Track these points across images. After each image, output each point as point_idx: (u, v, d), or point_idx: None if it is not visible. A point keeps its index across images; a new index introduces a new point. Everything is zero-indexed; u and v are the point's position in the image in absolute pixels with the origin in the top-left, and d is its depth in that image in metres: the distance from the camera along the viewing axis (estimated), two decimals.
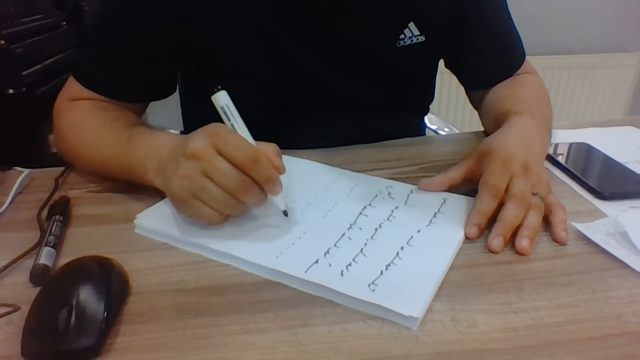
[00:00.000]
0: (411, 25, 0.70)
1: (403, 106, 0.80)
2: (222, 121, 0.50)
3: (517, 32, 0.77)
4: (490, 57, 0.76)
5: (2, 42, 1.21)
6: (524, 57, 0.79)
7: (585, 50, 2.03)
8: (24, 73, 1.27)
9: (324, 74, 0.71)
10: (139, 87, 0.69)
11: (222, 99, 0.49)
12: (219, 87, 0.49)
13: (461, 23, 0.73)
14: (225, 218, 0.49)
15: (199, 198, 0.47)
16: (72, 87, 0.68)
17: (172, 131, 1.30)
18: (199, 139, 0.47)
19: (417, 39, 0.71)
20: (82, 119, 0.65)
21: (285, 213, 0.51)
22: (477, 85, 0.80)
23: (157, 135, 0.56)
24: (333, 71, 0.71)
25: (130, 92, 0.69)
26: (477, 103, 0.81)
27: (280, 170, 0.49)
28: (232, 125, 0.49)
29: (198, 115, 0.61)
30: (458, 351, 0.37)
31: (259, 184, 0.47)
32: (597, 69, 2.04)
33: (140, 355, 0.37)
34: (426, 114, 0.91)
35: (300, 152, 0.68)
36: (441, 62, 0.81)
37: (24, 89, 1.25)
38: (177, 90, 0.82)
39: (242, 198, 0.47)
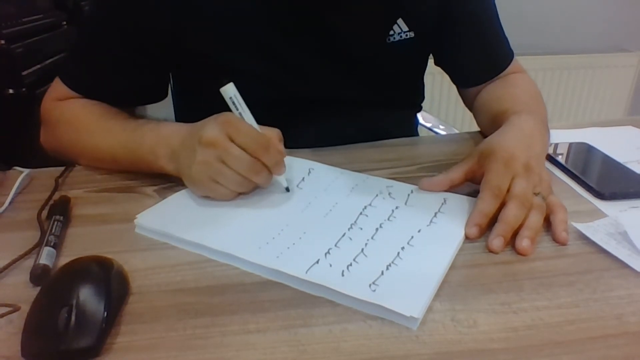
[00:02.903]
0: (400, 21, 0.70)
1: (395, 103, 0.80)
2: (222, 111, 0.54)
3: (504, 33, 0.78)
4: (477, 55, 0.77)
5: (2, 42, 1.21)
6: (512, 57, 0.79)
7: (585, 50, 2.03)
8: (24, 73, 1.27)
9: (314, 71, 0.71)
10: (128, 92, 0.70)
11: (230, 90, 0.54)
12: (227, 79, 0.54)
13: (448, 21, 0.74)
14: (237, 195, 0.55)
15: (215, 180, 0.53)
16: (60, 88, 0.68)
17: None
18: (213, 129, 0.52)
19: (407, 35, 0.71)
20: (82, 112, 0.66)
21: (287, 189, 0.57)
22: (465, 83, 0.81)
23: (165, 124, 0.60)
24: (323, 68, 0.71)
25: (119, 97, 0.69)
26: (469, 103, 0.82)
27: (283, 154, 0.55)
28: (239, 114, 0.54)
29: (191, 112, 0.61)
30: (458, 351, 0.37)
31: (267, 167, 0.53)
32: (597, 69, 2.04)
33: (140, 355, 0.37)
34: (418, 111, 0.91)
35: (301, 151, 0.68)
36: (431, 62, 0.82)
37: (24, 89, 1.25)
38: (170, 88, 0.82)
39: (253, 179, 0.54)
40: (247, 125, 0.54)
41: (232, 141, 0.51)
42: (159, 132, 0.59)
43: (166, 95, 0.75)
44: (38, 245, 0.48)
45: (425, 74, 0.84)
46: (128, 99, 0.71)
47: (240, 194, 0.56)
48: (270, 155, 0.53)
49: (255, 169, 0.53)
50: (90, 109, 0.66)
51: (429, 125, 1.17)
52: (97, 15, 0.68)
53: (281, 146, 0.56)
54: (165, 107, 0.90)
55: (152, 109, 0.88)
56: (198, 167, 0.52)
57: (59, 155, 0.69)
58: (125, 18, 0.65)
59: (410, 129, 0.91)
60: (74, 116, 0.67)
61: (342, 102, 0.73)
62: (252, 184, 0.55)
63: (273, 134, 0.56)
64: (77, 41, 0.71)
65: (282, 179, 0.57)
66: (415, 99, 0.87)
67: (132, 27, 0.65)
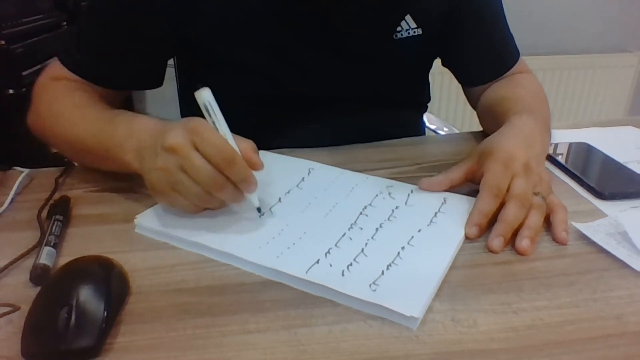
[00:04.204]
0: (408, 17, 0.70)
1: (400, 103, 0.80)
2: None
3: (510, 32, 0.78)
4: (482, 54, 0.77)
5: (2, 42, 1.21)
6: (518, 56, 0.79)
7: (585, 50, 2.03)
8: (24, 73, 1.27)
9: (320, 70, 0.71)
10: (123, 75, 0.69)
11: (204, 97, 0.49)
12: (202, 84, 0.49)
13: (455, 19, 0.73)
14: (201, 209, 0.51)
15: (175, 190, 0.49)
16: (56, 68, 0.68)
17: None
18: (178, 134, 0.48)
19: (414, 32, 0.71)
20: (63, 97, 0.65)
21: (259, 210, 0.52)
22: (470, 82, 0.81)
23: (139, 118, 0.57)
24: (329, 67, 0.71)
25: (113, 79, 0.68)
26: (474, 102, 0.81)
27: (257, 167, 0.50)
28: (213, 122, 0.49)
29: (195, 111, 0.61)
30: (458, 351, 0.37)
31: (234, 183, 0.48)
32: (597, 69, 2.04)
33: (140, 355, 0.37)
34: (424, 111, 0.91)
35: (301, 151, 0.68)
36: (436, 62, 0.82)
37: (24, 89, 1.25)
38: (176, 87, 0.81)
39: (216, 194, 0.48)
40: (216, 134, 0.48)
41: (197, 150, 0.47)
42: (131, 126, 0.55)
43: (162, 84, 0.73)
44: (38, 245, 0.48)
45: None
46: (123, 82, 0.70)
47: (207, 209, 0.52)
48: (235, 169, 0.47)
49: (217, 182, 0.47)
50: (74, 93, 0.65)
51: (433, 127, 1.17)
52: (99, 3, 0.68)
53: (256, 158, 0.51)
54: (170, 102, 0.90)
55: (157, 105, 0.88)
56: (158, 174, 0.49)
57: (41, 138, 0.67)
58: (125, 10, 0.64)
59: (416, 130, 0.90)
60: (54, 99, 0.65)
61: (345, 101, 0.73)
62: (217, 200, 0.50)
63: (247, 145, 0.51)
64: (78, 25, 0.70)
65: (253, 198, 0.51)
66: (420, 98, 0.87)
67: (133, 15, 0.64)
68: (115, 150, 0.55)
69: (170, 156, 0.47)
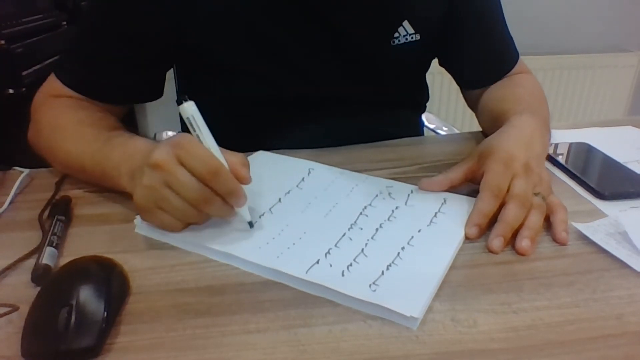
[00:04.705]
0: (405, 23, 0.70)
1: (399, 104, 0.80)
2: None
3: (509, 33, 0.78)
4: (483, 57, 0.77)
5: (2, 42, 1.21)
6: (518, 57, 0.79)
7: (585, 50, 2.03)
8: (24, 73, 1.27)
9: (318, 71, 0.71)
10: (121, 89, 0.68)
11: (188, 110, 0.48)
12: (186, 98, 0.48)
13: (455, 22, 0.73)
14: (186, 225, 0.50)
15: (160, 207, 0.48)
16: (53, 84, 0.67)
17: (170, 133, 1.30)
18: (163, 150, 0.47)
19: (412, 37, 0.71)
20: (62, 114, 0.64)
21: (251, 224, 0.50)
22: (471, 85, 0.81)
23: (134, 140, 0.56)
24: (327, 68, 0.71)
25: (111, 92, 0.67)
26: (473, 103, 0.81)
27: (244, 181, 0.48)
28: (197, 135, 0.48)
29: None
30: (458, 351, 0.37)
31: (222, 196, 0.47)
32: (597, 69, 2.04)
33: (140, 355, 0.37)
34: (423, 112, 0.91)
35: (301, 151, 0.68)
36: (435, 62, 0.81)
37: (24, 89, 1.25)
38: (176, 88, 0.81)
39: (203, 209, 0.48)
40: (200, 147, 0.47)
41: (181, 164, 0.46)
42: (125, 148, 0.55)
43: (162, 95, 0.73)
44: (41, 245, 0.48)
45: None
46: (121, 94, 0.69)
47: (192, 224, 0.50)
48: (221, 182, 0.46)
49: (204, 196, 0.46)
50: (72, 112, 0.64)
51: (432, 126, 1.18)
52: (96, 13, 0.67)
53: (244, 172, 0.49)
54: (170, 103, 0.90)
55: (157, 106, 0.88)
56: (143, 191, 0.48)
57: (37, 151, 0.66)
58: (123, 16, 0.64)
59: (415, 129, 0.90)
60: (54, 117, 0.64)
61: (344, 102, 0.73)
62: (204, 215, 0.49)
63: (235, 159, 0.49)
64: (74, 38, 0.69)
65: (244, 212, 0.50)
66: (419, 98, 0.87)
67: (130, 24, 0.64)
68: (111, 173, 0.55)
69: (154, 173, 0.47)
